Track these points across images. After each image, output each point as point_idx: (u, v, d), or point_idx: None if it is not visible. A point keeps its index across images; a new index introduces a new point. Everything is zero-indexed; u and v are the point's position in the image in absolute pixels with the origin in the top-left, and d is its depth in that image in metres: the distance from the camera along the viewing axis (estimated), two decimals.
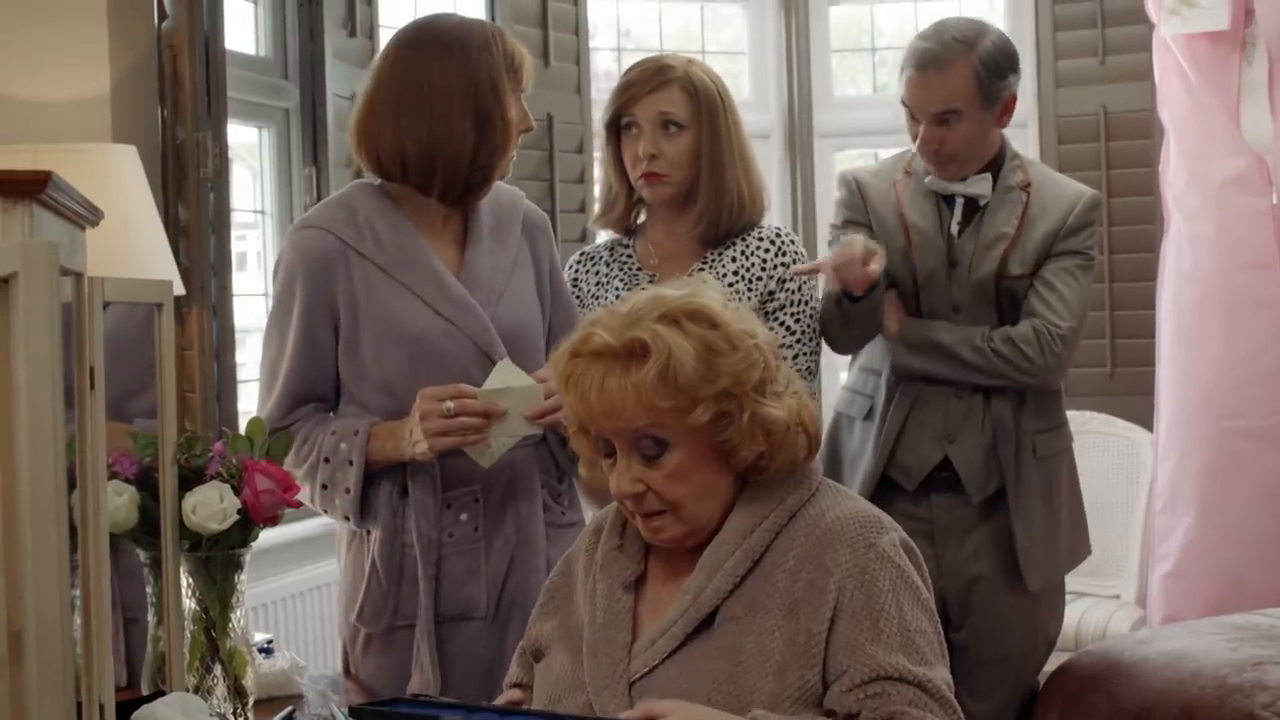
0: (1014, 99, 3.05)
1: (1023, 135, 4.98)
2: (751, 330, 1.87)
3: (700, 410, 1.81)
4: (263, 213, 4.01)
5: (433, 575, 2.48)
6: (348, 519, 2.49)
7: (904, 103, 3.05)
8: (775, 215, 5.28)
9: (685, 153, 2.80)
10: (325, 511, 2.53)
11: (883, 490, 3.09)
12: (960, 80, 2.97)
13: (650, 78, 2.81)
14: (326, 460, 2.46)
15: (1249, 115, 4.29)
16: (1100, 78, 5.05)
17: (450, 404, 2.37)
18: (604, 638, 1.91)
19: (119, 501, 2.09)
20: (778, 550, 1.86)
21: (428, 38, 2.52)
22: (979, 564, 3.07)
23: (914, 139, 3.06)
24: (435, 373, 2.45)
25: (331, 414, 2.55)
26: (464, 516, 2.50)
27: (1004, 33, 3.12)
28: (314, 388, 2.53)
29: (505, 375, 2.42)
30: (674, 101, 2.80)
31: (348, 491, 2.45)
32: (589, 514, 2.64)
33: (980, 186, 3.06)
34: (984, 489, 3.06)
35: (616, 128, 2.86)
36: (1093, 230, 3.09)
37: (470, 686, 2.42)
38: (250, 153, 4.05)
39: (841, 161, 5.50)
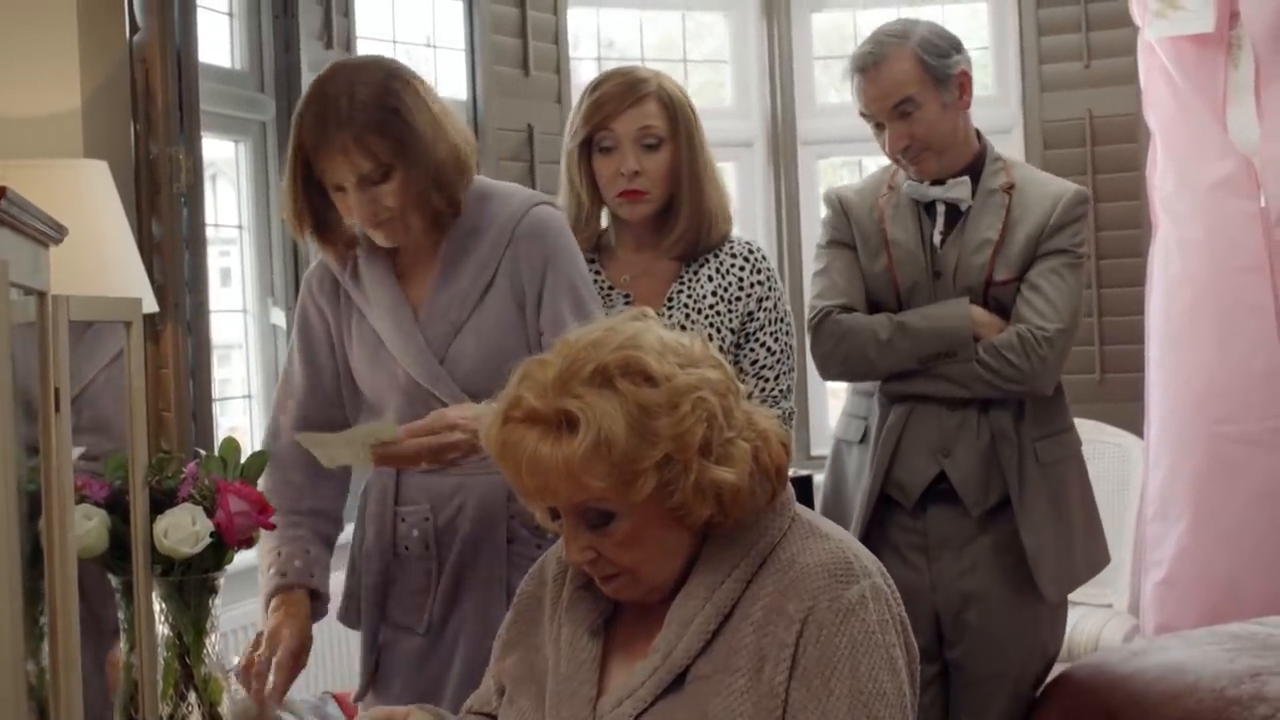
0: (968, 76, 3.02)
1: (1007, 141, 4.95)
2: (698, 379, 1.72)
3: (642, 482, 1.69)
4: (241, 227, 3.96)
5: (377, 585, 2.56)
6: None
7: (863, 114, 3.03)
8: (759, 223, 5.26)
9: (664, 168, 2.75)
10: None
11: (882, 506, 3.04)
12: (904, 66, 2.96)
13: (625, 93, 2.74)
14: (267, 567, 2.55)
15: (1235, 117, 4.27)
16: (1085, 82, 5.02)
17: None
18: (568, 690, 1.80)
19: (88, 525, 2.05)
20: (747, 600, 1.75)
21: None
22: (976, 577, 3.01)
23: (885, 149, 3.03)
24: (385, 407, 2.52)
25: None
26: (415, 533, 2.54)
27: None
28: (322, 407, 2.60)
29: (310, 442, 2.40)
30: (652, 116, 2.74)
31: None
32: None
33: (959, 191, 3.02)
34: (983, 501, 3.00)
35: (588, 145, 2.78)
36: (1079, 227, 3.03)
37: (405, 699, 2.46)
38: (229, 167, 4.02)
39: (825, 169, 5.47)
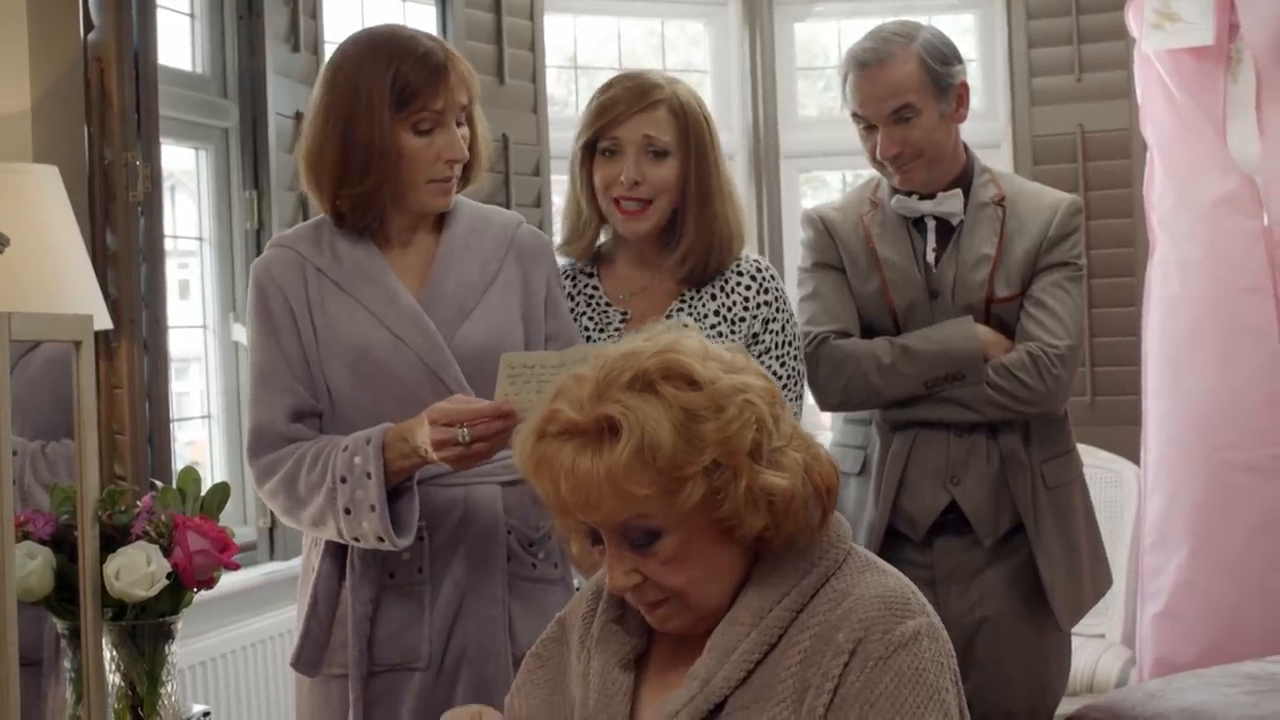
0: (966, 88, 2.94)
1: (996, 156, 4.85)
2: (742, 383, 1.65)
3: (689, 490, 1.60)
4: (201, 239, 3.81)
5: (367, 617, 2.33)
6: (382, 541, 2.27)
7: (855, 114, 2.93)
8: None
9: (670, 181, 2.61)
10: (357, 541, 2.31)
11: (886, 540, 2.92)
12: (908, 69, 2.86)
13: (636, 98, 2.61)
14: (344, 480, 2.27)
15: (1235, 133, 4.17)
16: (1077, 96, 4.93)
17: (464, 432, 2.20)
18: None
19: (31, 565, 1.93)
20: (796, 629, 1.65)
21: (340, 50, 2.44)
22: (985, 609, 2.90)
23: (871, 154, 2.93)
24: (378, 388, 2.36)
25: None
26: (406, 555, 2.34)
27: None
28: (304, 397, 2.39)
29: (512, 367, 2.23)
30: (660, 125, 2.60)
31: (373, 509, 2.25)
32: (579, 576, 2.44)
33: (951, 204, 2.93)
34: (995, 530, 2.90)
35: (592, 149, 2.65)
36: (1077, 238, 2.97)
37: None
38: (189, 176, 3.90)
39: (808, 182, 5.36)
